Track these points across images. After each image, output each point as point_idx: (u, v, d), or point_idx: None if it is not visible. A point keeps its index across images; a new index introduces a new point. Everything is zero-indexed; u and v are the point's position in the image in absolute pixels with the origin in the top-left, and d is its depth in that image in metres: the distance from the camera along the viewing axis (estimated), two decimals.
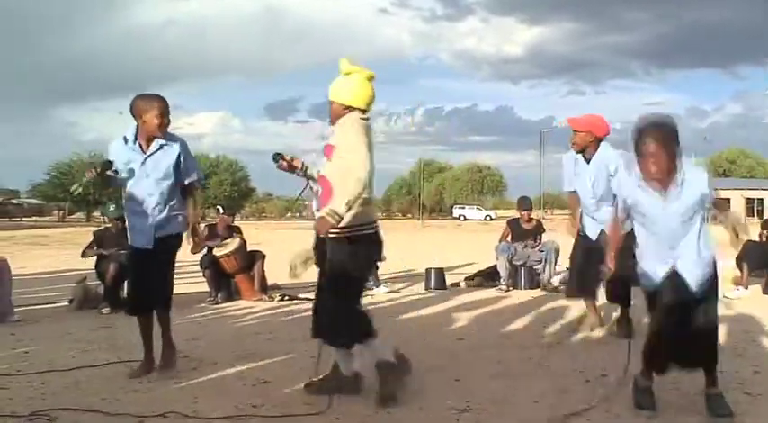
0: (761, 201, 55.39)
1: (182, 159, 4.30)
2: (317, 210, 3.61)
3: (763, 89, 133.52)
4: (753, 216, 49.27)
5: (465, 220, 58.25)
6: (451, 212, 64.30)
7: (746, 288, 7.82)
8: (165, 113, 4.19)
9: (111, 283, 6.86)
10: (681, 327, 3.30)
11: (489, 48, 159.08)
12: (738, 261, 7.89)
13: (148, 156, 4.22)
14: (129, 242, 4.35)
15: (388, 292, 8.29)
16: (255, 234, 18.87)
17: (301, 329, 5.84)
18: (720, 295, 3.90)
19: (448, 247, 18.66)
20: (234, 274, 7.70)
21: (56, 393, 3.82)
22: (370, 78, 3.71)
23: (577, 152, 5.29)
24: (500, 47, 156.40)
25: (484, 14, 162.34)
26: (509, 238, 8.84)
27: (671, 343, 3.34)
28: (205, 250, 7.75)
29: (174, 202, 4.30)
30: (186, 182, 4.37)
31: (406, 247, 15.53)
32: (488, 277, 8.98)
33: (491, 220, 54.62)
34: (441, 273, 9.00)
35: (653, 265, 3.42)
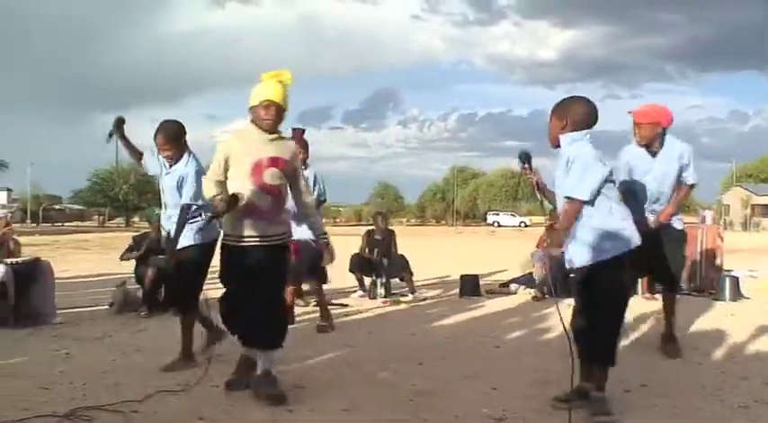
0: None
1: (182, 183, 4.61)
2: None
3: None
4: None
5: (499, 226, 57.82)
6: (485, 219, 63.89)
7: None
8: (166, 142, 4.58)
9: (150, 286, 6.95)
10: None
11: (522, 51, 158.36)
12: None
13: (167, 173, 4.69)
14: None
15: (422, 300, 8.28)
16: None
17: (336, 334, 5.88)
18: None
19: (482, 253, 18.55)
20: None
21: (96, 394, 3.87)
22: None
23: (643, 146, 4.99)
24: (533, 51, 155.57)
25: (516, 18, 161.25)
26: (546, 245, 8.77)
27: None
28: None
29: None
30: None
31: (441, 253, 15.49)
32: (524, 284, 8.92)
33: (525, 226, 54.13)
34: (475, 279, 8.95)
35: None
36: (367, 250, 8.77)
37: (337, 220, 72.13)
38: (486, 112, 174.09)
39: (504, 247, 21.63)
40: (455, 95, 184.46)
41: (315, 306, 7.57)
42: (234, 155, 3.83)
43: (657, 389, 3.97)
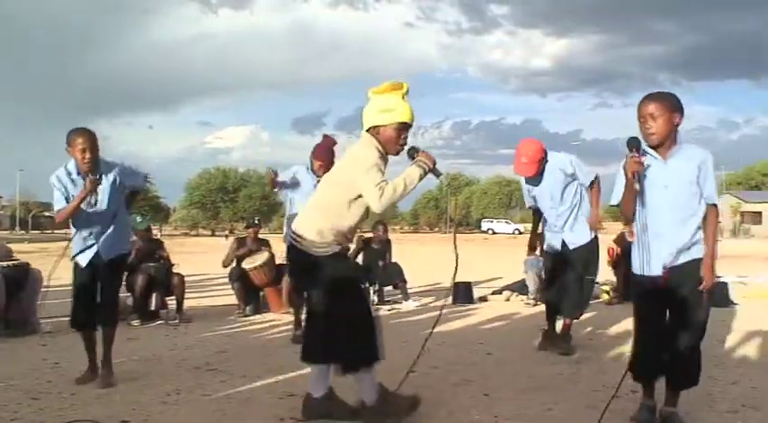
0: None
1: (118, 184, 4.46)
2: None
3: None
4: None
5: (494, 233, 57.92)
6: (479, 226, 63.95)
7: None
8: (88, 148, 4.27)
9: (141, 294, 6.92)
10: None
11: (516, 60, 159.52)
12: None
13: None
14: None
15: (416, 306, 8.27)
16: (282, 247, 18.90)
17: None
18: None
19: (476, 260, 18.55)
20: (263, 286, 7.73)
21: (86, 404, 3.85)
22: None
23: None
24: (527, 59, 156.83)
25: (510, 27, 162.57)
26: (538, 252, 8.77)
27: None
28: (234, 263, 7.82)
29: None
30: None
31: (434, 260, 15.48)
32: (517, 291, 8.93)
33: (520, 233, 54.22)
34: (468, 287, 8.95)
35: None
36: (362, 258, 8.76)
37: None
38: (480, 120, 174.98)
39: (498, 255, 21.64)
40: (449, 103, 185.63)
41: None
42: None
43: None
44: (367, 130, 3.47)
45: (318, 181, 5.80)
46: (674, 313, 3.34)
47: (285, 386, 4.25)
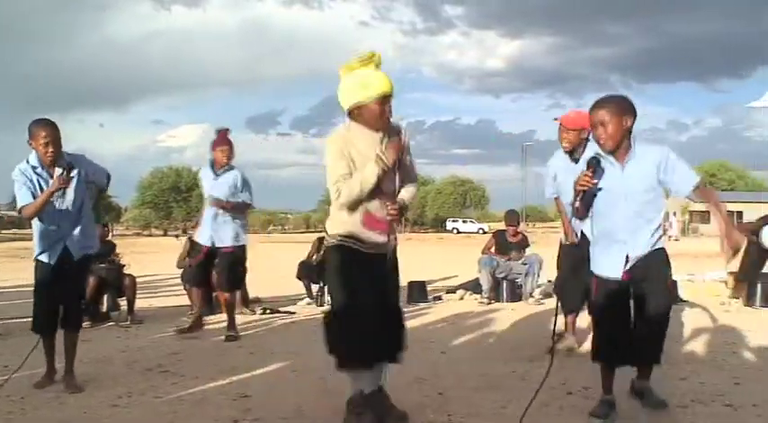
0: (741, 214, 55.95)
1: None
2: None
3: (742, 102, 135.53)
4: None
5: (458, 232, 58.36)
6: (444, 226, 64.21)
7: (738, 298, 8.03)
8: (51, 141, 4.12)
9: (91, 296, 6.78)
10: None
11: (471, 61, 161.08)
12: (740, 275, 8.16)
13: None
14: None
15: None
16: None
17: (282, 343, 5.83)
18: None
19: (430, 260, 18.65)
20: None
21: (36, 408, 3.77)
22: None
23: (567, 152, 5.04)
24: (482, 60, 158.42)
25: (464, 28, 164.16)
26: (492, 250, 8.88)
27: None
28: (187, 264, 7.72)
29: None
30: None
31: None
32: (471, 290, 9.00)
33: (484, 233, 54.67)
34: (423, 285, 9.00)
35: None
36: (315, 258, 8.73)
37: (286, 226, 71.64)
38: (435, 120, 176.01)
39: (452, 254, 21.79)
40: (404, 103, 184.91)
41: (262, 314, 7.52)
42: (357, 158, 3.31)
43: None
44: (349, 113, 3.33)
45: (216, 177, 5.88)
46: (639, 301, 3.44)
47: (238, 387, 4.22)
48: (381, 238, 3.40)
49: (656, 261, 3.44)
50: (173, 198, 63.54)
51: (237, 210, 6.01)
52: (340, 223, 3.40)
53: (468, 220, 63.80)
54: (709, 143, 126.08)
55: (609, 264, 3.43)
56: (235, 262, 6.06)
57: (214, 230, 5.98)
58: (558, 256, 5.40)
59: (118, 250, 7.77)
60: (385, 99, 3.29)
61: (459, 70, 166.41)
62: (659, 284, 3.44)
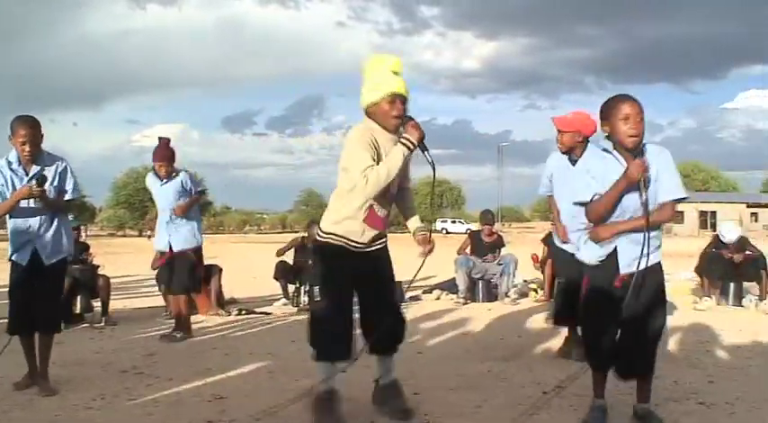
0: (714, 214, 56.72)
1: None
2: None
3: (716, 104, 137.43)
4: (706, 228, 50.63)
5: (448, 233, 58.55)
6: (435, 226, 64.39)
7: (711, 297, 8.09)
8: (29, 141, 4.07)
9: (65, 297, 6.69)
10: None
11: (447, 62, 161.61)
12: (700, 272, 8.26)
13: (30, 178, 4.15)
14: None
15: None
16: (212, 248, 18.67)
17: (258, 344, 5.80)
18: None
19: (406, 260, 18.66)
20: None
21: (6, 412, 3.71)
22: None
23: (563, 153, 4.99)
24: (458, 61, 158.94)
25: (441, 29, 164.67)
26: (468, 250, 8.92)
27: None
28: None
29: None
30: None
31: None
32: (447, 290, 9.02)
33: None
34: (398, 286, 8.97)
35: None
36: (294, 258, 8.71)
37: (262, 227, 71.32)
38: None
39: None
40: None
41: (237, 315, 7.48)
42: (379, 150, 3.39)
43: (575, 390, 4.07)
44: (366, 113, 3.45)
45: (163, 184, 6.07)
46: (633, 313, 3.30)
47: (213, 388, 4.20)
48: (376, 236, 3.65)
49: (655, 272, 3.34)
50: (147, 198, 62.79)
51: (192, 206, 6.20)
52: (340, 219, 3.51)
53: (458, 220, 64.03)
54: (683, 144, 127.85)
55: (624, 259, 3.30)
56: (191, 265, 6.21)
57: (170, 234, 6.11)
58: (552, 259, 5.30)
59: (91, 251, 7.68)
60: (394, 99, 3.37)
61: (435, 71, 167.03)
62: (656, 298, 3.37)
